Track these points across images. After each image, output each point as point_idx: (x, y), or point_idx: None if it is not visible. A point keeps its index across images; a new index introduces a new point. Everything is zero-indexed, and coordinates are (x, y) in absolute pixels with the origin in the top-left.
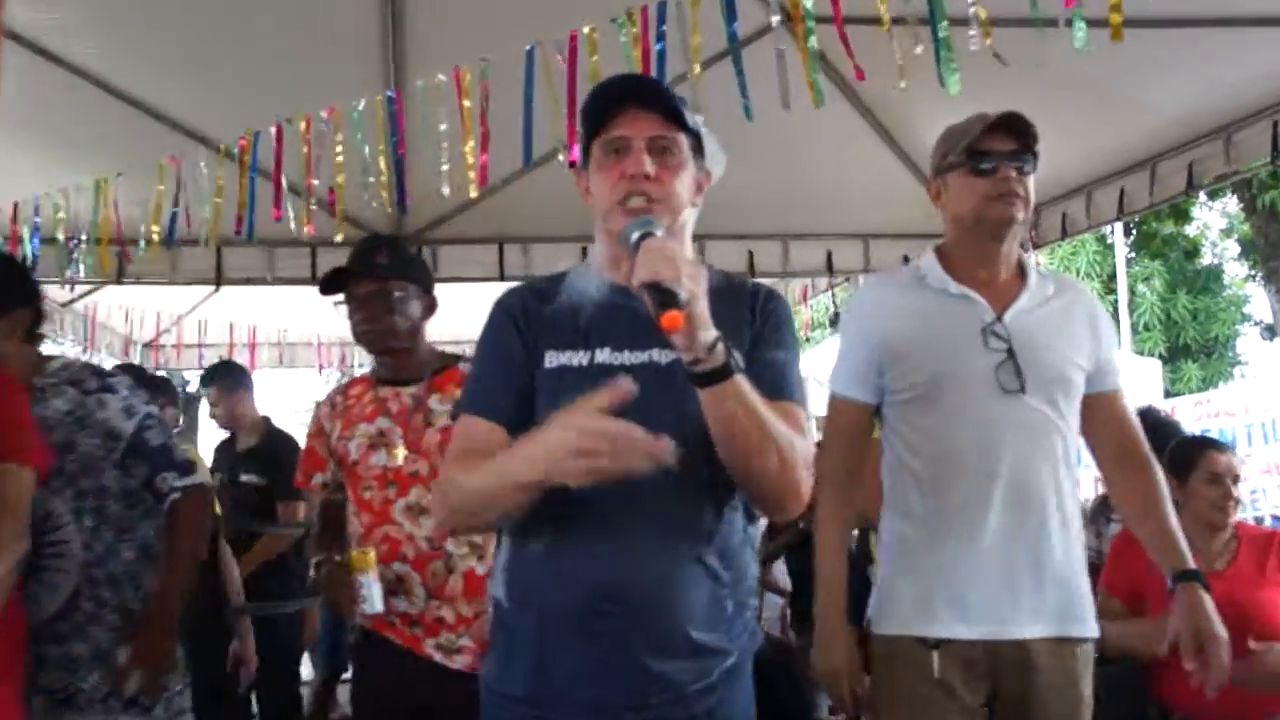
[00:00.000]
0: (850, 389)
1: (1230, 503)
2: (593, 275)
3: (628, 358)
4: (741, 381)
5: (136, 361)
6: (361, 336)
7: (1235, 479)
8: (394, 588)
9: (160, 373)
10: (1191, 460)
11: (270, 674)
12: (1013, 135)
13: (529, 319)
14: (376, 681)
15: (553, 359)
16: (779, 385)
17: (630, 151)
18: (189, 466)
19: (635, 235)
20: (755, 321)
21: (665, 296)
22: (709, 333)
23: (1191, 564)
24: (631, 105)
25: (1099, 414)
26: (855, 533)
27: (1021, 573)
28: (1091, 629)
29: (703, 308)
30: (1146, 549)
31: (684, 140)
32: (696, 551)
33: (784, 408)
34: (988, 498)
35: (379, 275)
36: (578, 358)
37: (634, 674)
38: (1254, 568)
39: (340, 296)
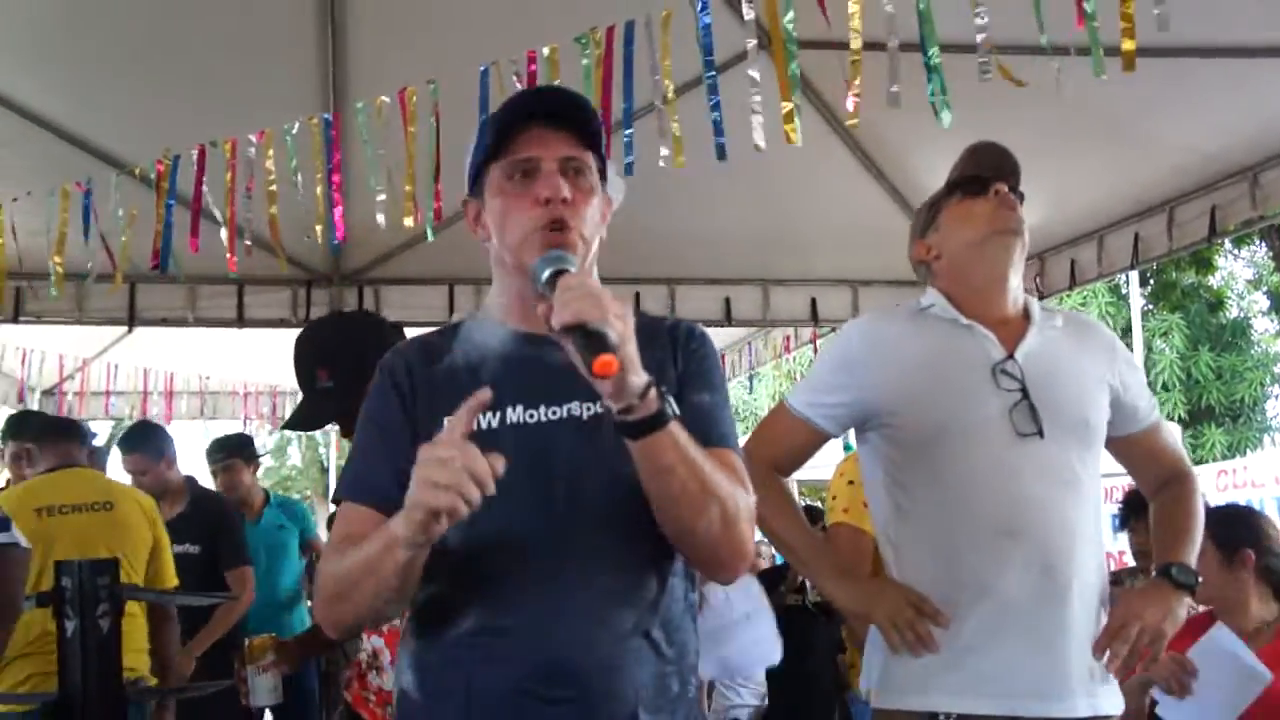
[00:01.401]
0: (814, 412)
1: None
2: (492, 324)
3: (543, 414)
4: (678, 430)
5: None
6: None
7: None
8: (370, 662)
9: None
10: (1245, 535)
11: None
12: (995, 173)
13: (415, 382)
14: None
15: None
16: (710, 431)
17: (540, 174)
18: (5, 523)
19: (548, 272)
20: (679, 363)
21: (593, 340)
22: (639, 377)
23: (1180, 559)
24: (536, 123)
25: (1137, 452)
26: None
27: (1045, 644)
28: (1120, 704)
29: (633, 350)
30: (1152, 538)
31: (593, 161)
32: (642, 624)
33: (720, 456)
34: (1007, 558)
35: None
36: (485, 419)
37: None
38: None
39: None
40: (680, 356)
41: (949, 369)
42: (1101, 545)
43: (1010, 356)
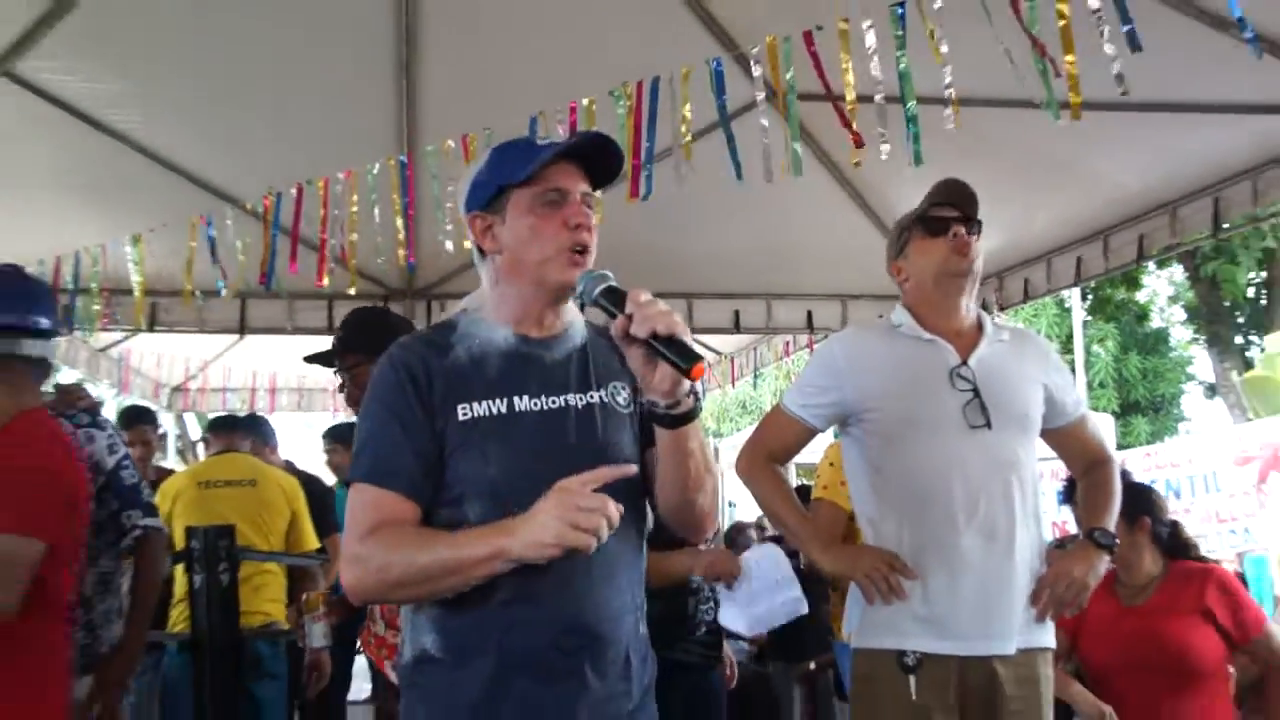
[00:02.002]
0: (803, 411)
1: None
2: (492, 324)
3: (545, 403)
4: (699, 422)
5: (165, 404)
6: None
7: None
8: (371, 614)
9: (189, 414)
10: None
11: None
12: (956, 206)
13: (430, 374)
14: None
15: (465, 411)
16: None
17: (568, 203)
18: (152, 509)
19: (600, 288)
20: None
21: (686, 349)
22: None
23: (1100, 524)
24: (565, 160)
25: (1068, 441)
26: None
27: (991, 596)
28: (1051, 640)
29: None
30: (1080, 510)
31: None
32: (630, 581)
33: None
34: (958, 527)
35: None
36: (495, 406)
37: (584, 702)
38: (1175, 599)
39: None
40: None
41: (914, 373)
42: (1039, 516)
43: (964, 363)
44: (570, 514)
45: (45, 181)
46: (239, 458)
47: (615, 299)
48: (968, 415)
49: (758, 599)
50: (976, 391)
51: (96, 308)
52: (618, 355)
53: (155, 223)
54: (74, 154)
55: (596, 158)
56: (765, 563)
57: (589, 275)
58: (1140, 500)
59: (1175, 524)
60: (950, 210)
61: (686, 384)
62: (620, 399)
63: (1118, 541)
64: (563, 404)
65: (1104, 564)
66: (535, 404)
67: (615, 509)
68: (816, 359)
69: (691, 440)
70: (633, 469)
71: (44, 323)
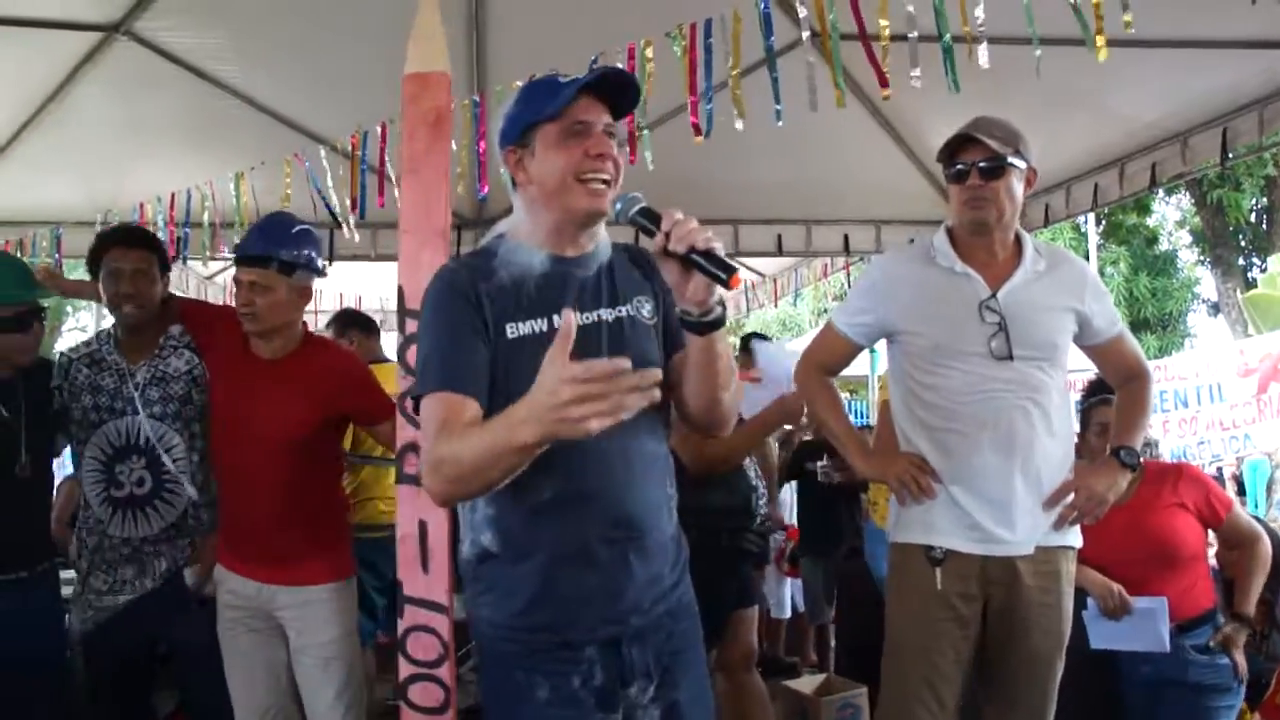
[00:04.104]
0: (850, 329)
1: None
2: (529, 248)
3: (582, 318)
4: (724, 329)
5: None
6: None
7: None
8: None
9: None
10: (1085, 417)
11: None
12: (979, 146)
13: (479, 294)
14: None
15: (513, 330)
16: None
17: (592, 134)
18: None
19: (636, 208)
20: (655, 282)
21: (721, 261)
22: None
23: (1128, 443)
24: (586, 94)
25: (1105, 357)
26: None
27: (1008, 505)
28: (1072, 540)
29: None
30: (1113, 423)
31: (621, 131)
32: (663, 475)
33: None
34: (980, 445)
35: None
36: (538, 325)
37: (632, 585)
38: (1154, 494)
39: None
40: (656, 277)
41: (945, 303)
42: (1067, 432)
43: (994, 295)
44: (566, 394)
45: (161, 127)
46: (388, 370)
47: (652, 218)
48: (993, 347)
49: (766, 391)
50: (1002, 325)
51: (206, 239)
52: (639, 270)
53: (255, 161)
54: (184, 103)
55: (618, 91)
56: (771, 358)
57: (624, 197)
58: (1084, 413)
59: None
60: (974, 152)
61: (717, 293)
62: (645, 311)
63: (1141, 461)
64: (595, 319)
65: (1125, 480)
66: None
67: (618, 367)
68: (860, 281)
69: (720, 343)
70: (657, 373)
71: (321, 265)
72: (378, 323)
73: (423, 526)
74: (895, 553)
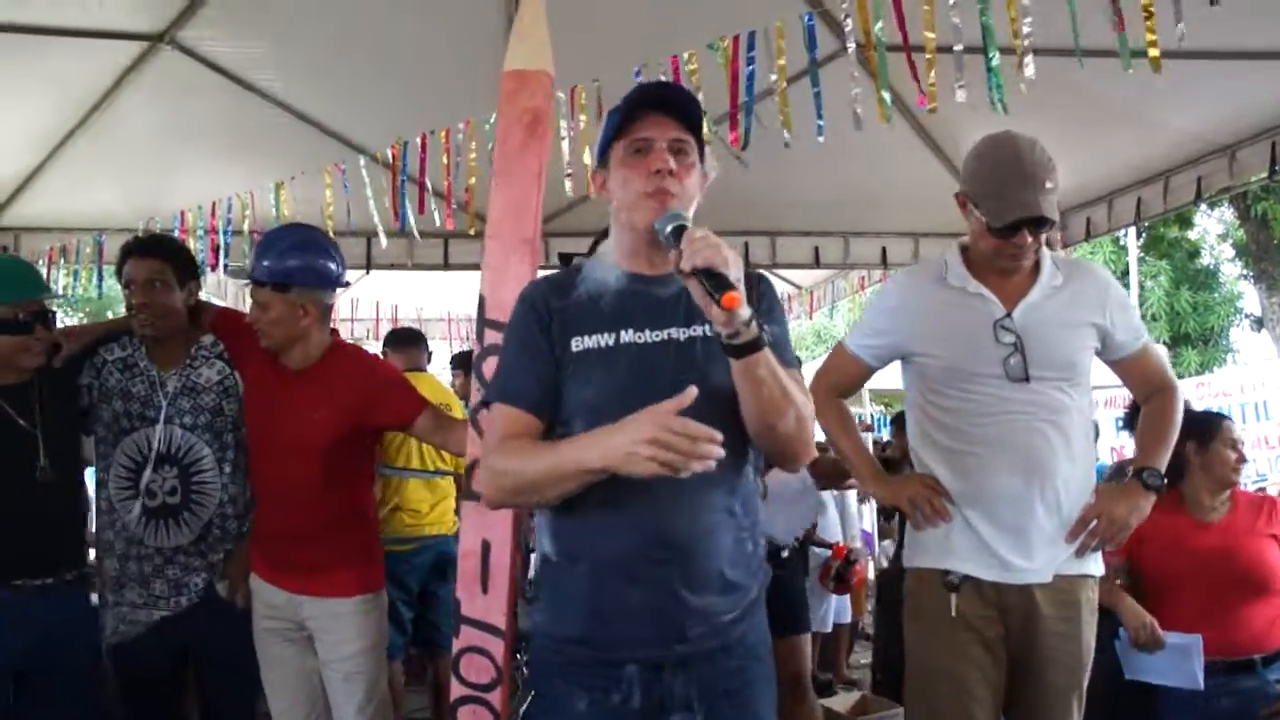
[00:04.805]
0: (862, 350)
1: (1242, 464)
2: (609, 266)
3: (649, 336)
4: (769, 352)
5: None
6: None
7: (1242, 444)
8: None
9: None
10: (1213, 429)
11: None
12: (1029, 225)
13: (550, 311)
14: None
15: (579, 343)
16: (782, 355)
17: (653, 151)
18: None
19: (670, 226)
20: (754, 302)
21: (720, 280)
22: (746, 309)
23: (1153, 464)
24: (653, 110)
25: (1130, 371)
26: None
27: (1027, 531)
28: (1093, 568)
29: (743, 288)
30: (1135, 442)
31: (694, 144)
32: (726, 502)
33: (791, 374)
34: (997, 468)
35: None
36: (604, 340)
37: (678, 610)
38: (1248, 522)
39: None
40: (755, 298)
41: (960, 325)
42: (1087, 456)
43: (1009, 314)
44: (649, 433)
45: (202, 136)
46: (428, 378)
47: (681, 238)
48: (1009, 369)
49: (780, 513)
50: (1018, 345)
51: (246, 247)
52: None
53: (295, 171)
54: (225, 112)
55: (675, 105)
56: (791, 478)
57: (666, 215)
58: (1212, 426)
59: None
60: (1022, 231)
61: (744, 313)
62: None
63: (1165, 483)
64: (665, 337)
65: (1149, 504)
66: (639, 337)
67: (712, 437)
68: (876, 302)
69: (760, 369)
70: (693, 392)
71: (334, 275)
72: (421, 332)
73: (485, 546)
74: (911, 579)
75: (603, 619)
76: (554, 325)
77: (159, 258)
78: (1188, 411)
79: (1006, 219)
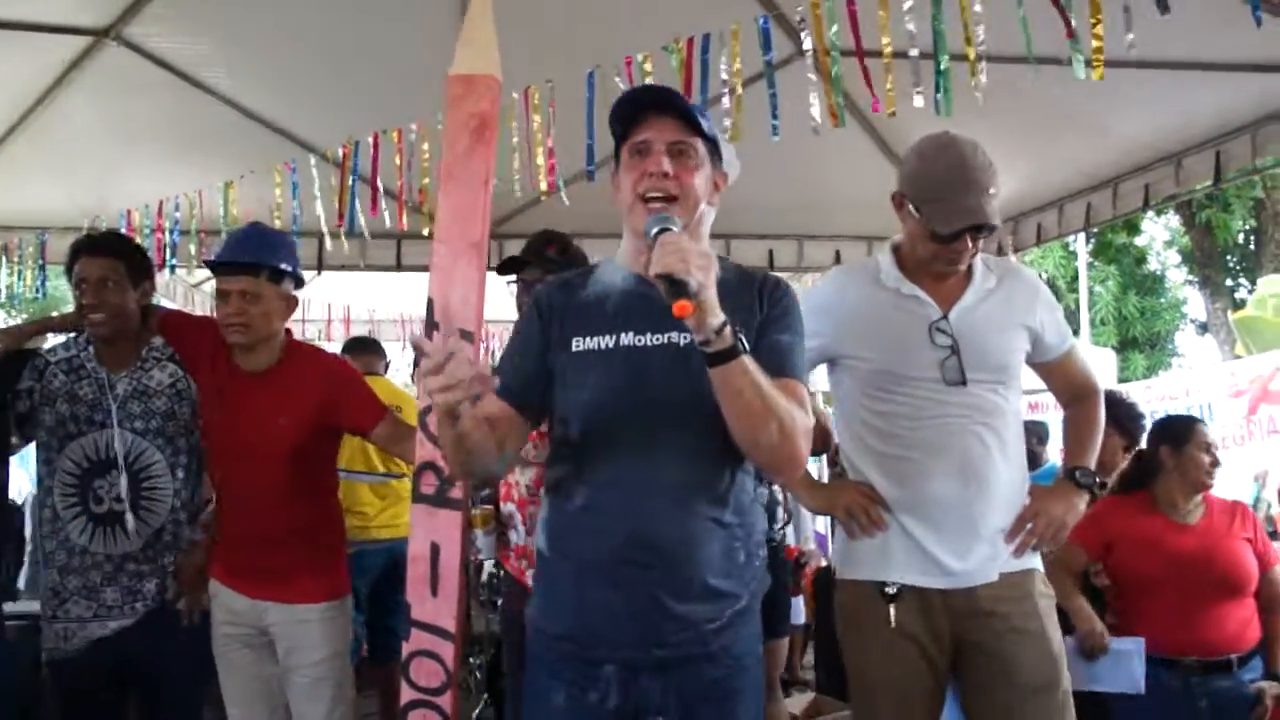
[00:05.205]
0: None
1: (1215, 466)
2: (618, 267)
3: (650, 339)
4: (747, 360)
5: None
6: None
7: (1216, 448)
8: (508, 522)
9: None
10: (1188, 432)
11: None
12: (970, 231)
13: (554, 310)
14: (508, 605)
15: (579, 344)
16: (782, 364)
17: (651, 153)
18: None
19: (654, 230)
20: (763, 308)
21: (676, 286)
22: (716, 318)
23: (1083, 464)
24: (653, 113)
25: (1054, 374)
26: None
27: (966, 535)
28: (1033, 562)
29: (711, 295)
30: (1062, 444)
31: (700, 145)
32: (713, 510)
33: (786, 384)
34: (934, 472)
35: (548, 268)
36: (604, 341)
37: (658, 615)
38: (1223, 525)
39: (513, 276)
40: (765, 303)
41: (892, 326)
42: (1020, 456)
43: (945, 316)
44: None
45: (149, 134)
46: (380, 381)
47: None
48: (945, 371)
49: None
50: (954, 348)
51: (193, 247)
52: (747, 295)
53: (245, 170)
54: (173, 109)
55: (685, 105)
56: None
57: (654, 218)
58: (1187, 430)
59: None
60: (964, 236)
61: (714, 322)
62: None
63: (1098, 481)
64: (665, 341)
65: (1084, 503)
66: (640, 339)
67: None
68: (807, 301)
69: (737, 380)
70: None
71: (300, 275)
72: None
73: (435, 549)
74: (846, 592)
75: (585, 618)
76: (556, 325)
77: (112, 256)
78: (1163, 416)
79: (954, 226)
